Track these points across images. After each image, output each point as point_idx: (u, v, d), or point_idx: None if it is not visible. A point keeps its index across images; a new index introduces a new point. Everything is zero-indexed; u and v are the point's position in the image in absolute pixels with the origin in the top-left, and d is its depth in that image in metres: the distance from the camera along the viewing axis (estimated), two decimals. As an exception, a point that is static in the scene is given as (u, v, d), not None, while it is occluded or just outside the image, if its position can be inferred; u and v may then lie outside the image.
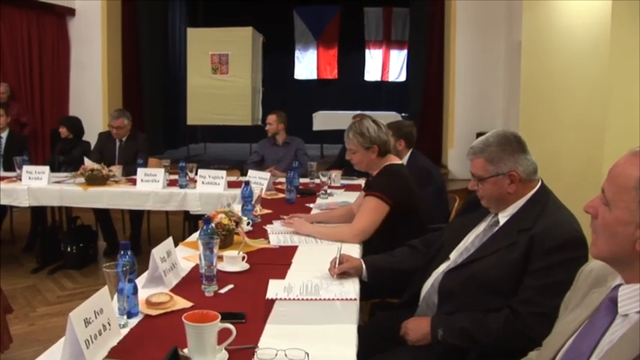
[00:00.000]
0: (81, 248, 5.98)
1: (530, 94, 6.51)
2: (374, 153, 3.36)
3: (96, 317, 1.82)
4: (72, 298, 5.20)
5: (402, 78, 14.88)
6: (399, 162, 3.50)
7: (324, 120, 11.20)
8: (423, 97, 10.29)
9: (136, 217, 6.27)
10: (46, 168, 5.57)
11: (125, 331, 1.97)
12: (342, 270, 2.52)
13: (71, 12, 9.73)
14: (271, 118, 6.34)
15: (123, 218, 6.57)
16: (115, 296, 2.03)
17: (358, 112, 8.17)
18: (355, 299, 2.33)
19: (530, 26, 6.54)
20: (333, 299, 2.31)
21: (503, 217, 2.33)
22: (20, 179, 5.57)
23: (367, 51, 15.29)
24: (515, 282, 2.15)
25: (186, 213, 5.72)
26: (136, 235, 6.30)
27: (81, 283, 5.58)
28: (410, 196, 3.35)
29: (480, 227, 2.43)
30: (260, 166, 5.98)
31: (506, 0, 8.82)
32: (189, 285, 2.45)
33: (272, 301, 2.26)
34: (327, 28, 15.20)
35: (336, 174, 5.21)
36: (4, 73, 8.63)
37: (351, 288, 2.43)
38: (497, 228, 2.34)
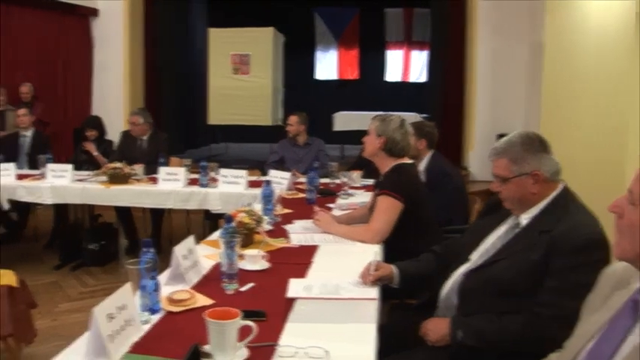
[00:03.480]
0: (102, 246, 6.04)
1: (551, 96, 6.47)
2: (380, 144, 3.36)
3: (119, 313, 1.84)
4: (94, 294, 5.26)
5: (423, 79, 14.81)
6: (409, 162, 3.49)
7: (344, 120, 11.20)
8: (443, 98, 10.25)
9: (157, 215, 6.31)
10: (69, 166, 5.64)
11: (147, 327, 2.00)
12: (376, 277, 2.50)
13: (94, 13, 9.80)
14: (292, 119, 6.33)
15: (144, 216, 6.61)
16: (138, 293, 2.05)
17: (379, 112, 8.15)
18: (375, 299, 2.34)
19: (552, 27, 6.50)
20: (353, 298, 2.32)
21: (525, 219, 2.32)
22: (44, 177, 5.64)
23: (388, 51, 15.26)
24: (535, 284, 2.14)
25: (206, 212, 5.76)
26: (156, 233, 6.34)
27: (102, 280, 5.63)
28: (417, 193, 3.36)
29: (501, 229, 2.42)
30: (280, 166, 5.99)
31: (529, 0, 8.76)
32: (210, 283, 2.47)
33: (292, 300, 2.28)
34: (347, 28, 15.20)
35: (356, 174, 5.22)
36: (28, 73, 8.72)
37: (371, 288, 2.44)
38: (518, 230, 2.33)
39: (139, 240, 6.37)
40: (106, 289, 5.32)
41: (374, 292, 2.39)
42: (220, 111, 10.64)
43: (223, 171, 5.23)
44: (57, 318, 4.71)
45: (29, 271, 5.49)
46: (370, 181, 5.02)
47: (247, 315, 1.85)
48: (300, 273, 2.64)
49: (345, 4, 14.79)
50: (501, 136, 2.63)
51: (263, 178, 5.33)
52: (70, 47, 9.51)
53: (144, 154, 6.30)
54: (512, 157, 2.30)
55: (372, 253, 2.93)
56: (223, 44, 10.72)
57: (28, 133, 6.87)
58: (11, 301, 3.56)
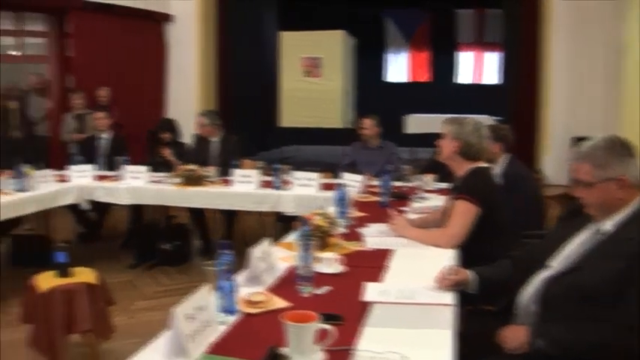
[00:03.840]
0: (176, 246, 6.15)
1: (632, 99, 6.26)
2: (455, 147, 3.32)
3: (198, 314, 1.87)
4: (168, 293, 5.37)
5: (496, 81, 14.58)
6: (485, 165, 3.43)
7: (415, 123, 11.12)
8: (516, 101, 10.06)
9: (230, 217, 6.38)
10: (145, 168, 5.78)
11: (224, 329, 2.01)
12: (452, 282, 2.47)
13: (168, 18, 10.03)
14: (368, 122, 6.28)
15: (216, 218, 6.70)
16: (215, 294, 2.08)
17: (451, 115, 8.05)
18: (452, 304, 2.31)
19: (634, 26, 6.29)
20: (430, 304, 2.29)
21: (608, 225, 2.24)
22: (121, 178, 5.80)
23: (459, 53, 15.09)
24: (619, 293, 2.07)
25: (277, 214, 5.80)
26: (229, 234, 6.41)
27: (176, 280, 5.73)
28: (494, 197, 3.30)
29: (583, 235, 2.35)
30: (352, 169, 5.96)
31: (607, 0, 8.51)
32: (285, 285, 2.48)
33: (368, 304, 2.27)
34: (418, 30, 15.12)
35: (429, 178, 5.16)
36: (106, 77, 8.97)
37: (447, 293, 2.41)
38: (601, 236, 2.26)
39: (211, 241, 6.48)
40: (180, 289, 5.43)
41: (450, 298, 2.36)
42: (291, 113, 10.72)
43: (296, 173, 5.26)
44: (133, 316, 4.82)
45: (106, 269, 5.62)
46: (443, 185, 4.96)
47: (324, 318, 1.85)
48: (376, 277, 2.62)
49: (416, 6, 14.70)
50: (577, 139, 2.56)
51: (335, 181, 5.34)
52: (145, 52, 9.76)
53: (215, 156, 6.40)
54: (596, 161, 2.22)
55: (448, 257, 2.90)
56: (295, 47, 10.81)
57: (106, 136, 7.05)
58: (91, 298, 3.67)
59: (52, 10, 8.96)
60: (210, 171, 5.69)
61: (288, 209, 5.13)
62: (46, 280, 3.69)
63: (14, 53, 10.14)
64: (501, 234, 3.30)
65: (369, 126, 6.25)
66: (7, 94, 9.51)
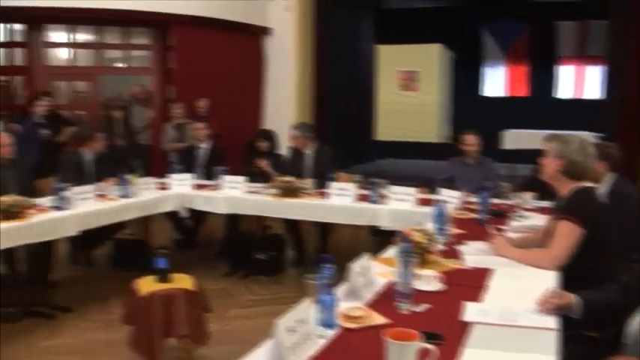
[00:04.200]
0: (271, 256, 6.21)
1: None
2: (559, 166, 3.20)
3: (299, 326, 1.88)
4: (262, 303, 5.43)
5: (598, 96, 14.10)
6: (590, 185, 3.30)
7: (513, 139, 10.90)
8: (621, 117, 9.68)
9: (325, 229, 6.40)
10: (243, 178, 5.89)
11: (323, 342, 2.01)
12: (555, 306, 2.38)
13: (267, 31, 10.20)
14: (472, 138, 6.14)
15: (311, 230, 6.74)
16: (315, 307, 2.08)
17: (551, 131, 7.82)
18: (555, 329, 2.23)
19: None
20: (532, 327, 2.22)
21: None
22: (219, 188, 5.93)
23: (559, 67, 14.69)
24: None
25: (371, 228, 5.77)
26: (323, 247, 6.45)
27: (270, 290, 5.79)
28: (599, 218, 3.16)
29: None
30: (448, 184, 5.87)
31: None
32: (383, 301, 2.46)
33: (468, 324, 2.22)
34: (516, 43, 14.83)
35: (529, 196, 5.02)
36: (205, 88, 9.20)
37: (550, 317, 2.33)
38: None
39: (305, 252, 6.52)
40: (273, 299, 5.49)
41: (554, 322, 2.28)
42: (387, 127, 10.70)
43: (393, 188, 5.22)
44: (228, 323, 4.89)
45: (201, 276, 5.74)
46: (544, 204, 4.82)
47: (425, 337, 1.82)
48: (475, 296, 2.57)
49: (515, 19, 14.43)
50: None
51: (432, 197, 5.28)
52: (244, 64, 9.94)
53: (309, 168, 6.45)
54: None
55: (549, 279, 2.81)
56: (391, 61, 10.80)
57: (205, 146, 7.23)
58: (188, 304, 3.76)
59: (157, 24, 9.28)
60: (307, 183, 5.72)
61: (384, 224, 5.09)
62: (147, 285, 3.81)
63: (120, 65, 10.57)
64: (606, 256, 3.16)
65: (473, 142, 6.13)
66: (112, 104, 9.91)
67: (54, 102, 8.56)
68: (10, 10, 8.33)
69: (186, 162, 7.06)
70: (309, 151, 6.55)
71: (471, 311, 2.33)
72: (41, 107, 8.01)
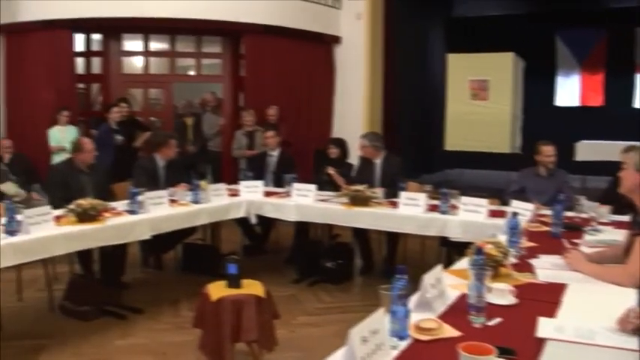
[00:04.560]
0: (339, 264, 6.23)
1: None
2: (639, 179, 3.09)
3: (372, 337, 1.87)
4: (329, 311, 5.44)
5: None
6: None
7: (587, 150, 10.63)
8: None
9: (393, 239, 6.38)
10: (313, 186, 5.92)
11: (395, 353, 2.00)
12: (637, 326, 2.26)
13: (337, 40, 10.24)
14: (550, 149, 5.96)
15: (380, 239, 6.72)
16: (387, 318, 2.07)
17: (628, 143, 7.57)
18: (637, 350, 2.15)
19: None
20: (611, 347, 2.15)
21: None
22: (289, 195, 5.98)
23: (638, 75, 14.24)
24: None
25: (441, 239, 5.72)
26: (391, 256, 6.42)
27: (337, 298, 5.80)
28: None
29: None
30: (520, 196, 5.74)
31: None
32: (455, 313, 2.43)
33: (542, 340, 2.17)
34: (592, 52, 14.46)
35: (604, 209, 4.88)
36: (276, 96, 9.31)
37: (631, 337, 2.25)
38: None
39: (373, 261, 6.51)
40: (340, 307, 5.50)
41: (635, 343, 2.20)
42: (457, 136, 10.57)
43: (463, 198, 5.15)
44: (294, 330, 4.91)
45: (269, 283, 5.81)
46: (621, 218, 4.68)
47: (498, 352, 1.80)
48: (549, 311, 2.51)
49: (591, 26, 14.07)
50: None
51: (503, 208, 5.20)
52: (314, 73, 10.01)
53: (378, 177, 6.44)
54: None
55: (628, 297, 2.71)
56: (462, 69, 10.67)
57: (275, 153, 7.31)
58: (258, 309, 3.81)
59: (229, 33, 9.44)
60: (377, 192, 5.70)
61: (454, 235, 5.03)
62: (218, 290, 3.87)
63: (192, 73, 10.80)
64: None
65: (551, 153, 5.95)
66: (184, 111, 10.13)
67: (130, 108, 8.84)
68: (88, 21, 8.66)
69: (256, 169, 7.15)
70: (378, 161, 6.54)
71: (544, 327, 2.27)
72: (116, 114, 8.28)
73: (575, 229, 4.41)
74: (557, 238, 4.02)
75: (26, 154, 8.28)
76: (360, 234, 6.43)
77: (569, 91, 14.81)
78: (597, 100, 14.60)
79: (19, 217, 4.18)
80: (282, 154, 7.35)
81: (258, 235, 7.28)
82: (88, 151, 5.75)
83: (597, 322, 2.34)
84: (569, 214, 4.92)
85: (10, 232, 4.07)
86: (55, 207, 4.76)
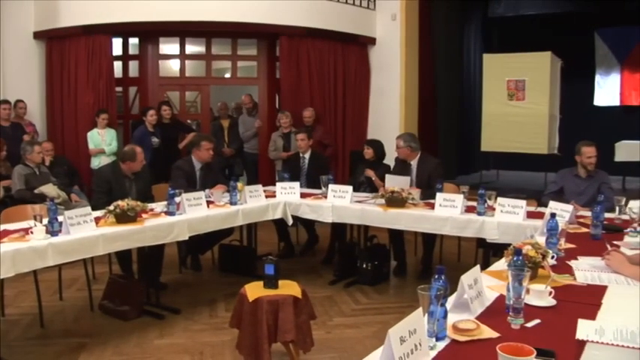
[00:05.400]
0: (375, 266, 6.22)
1: None
2: None
3: (410, 337, 1.87)
4: (365, 312, 5.44)
5: None
6: None
7: (627, 150, 10.43)
8: None
9: (430, 240, 6.36)
10: (349, 187, 5.92)
11: (433, 354, 2.01)
12: None
13: (372, 41, 10.23)
14: (592, 150, 5.83)
15: (416, 240, 6.70)
16: (425, 318, 2.08)
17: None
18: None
19: None
20: (654, 349, 2.13)
21: None
22: (325, 197, 5.99)
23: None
24: None
25: (478, 240, 5.69)
26: (427, 258, 6.41)
27: (374, 299, 5.80)
28: None
29: None
30: (558, 197, 5.66)
31: None
32: (493, 315, 2.42)
33: (582, 343, 2.15)
34: (633, 50, 14.19)
35: (645, 210, 4.80)
36: (312, 98, 9.35)
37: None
38: None
39: (406, 262, 6.50)
40: (376, 309, 5.50)
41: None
42: (494, 137, 10.44)
43: (501, 200, 5.09)
44: (331, 331, 4.93)
45: (306, 284, 5.84)
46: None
47: (537, 354, 1.79)
48: (589, 314, 2.48)
49: (632, 23, 13.82)
50: None
51: (541, 209, 5.15)
52: (349, 74, 10.01)
53: (414, 178, 6.41)
54: None
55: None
56: (498, 69, 10.54)
57: (307, 156, 7.33)
58: (295, 310, 3.84)
59: (265, 35, 9.49)
60: (414, 193, 5.68)
61: (492, 236, 4.97)
62: (255, 290, 3.90)
63: (228, 76, 10.89)
64: None
65: (593, 154, 5.82)
66: (221, 113, 10.22)
67: (172, 111, 8.97)
68: (126, 25, 8.79)
69: (292, 170, 7.17)
70: (414, 162, 6.52)
71: (584, 329, 2.25)
72: (152, 117, 8.41)
73: (615, 231, 4.35)
74: (597, 240, 3.97)
75: (66, 157, 8.46)
76: (396, 235, 6.42)
77: (609, 90, 14.54)
78: (638, 100, 14.33)
79: (60, 218, 4.26)
80: (314, 155, 7.37)
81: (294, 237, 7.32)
82: (140, 160, 5.84)
83: (638, 325, 2.31)
84: (609, 215, 4.86)
85: (52, 233, 4.15)
86: (97, 209, 4.85)
